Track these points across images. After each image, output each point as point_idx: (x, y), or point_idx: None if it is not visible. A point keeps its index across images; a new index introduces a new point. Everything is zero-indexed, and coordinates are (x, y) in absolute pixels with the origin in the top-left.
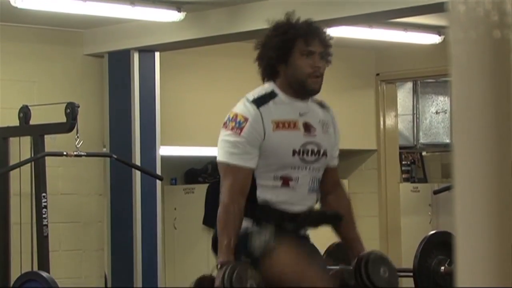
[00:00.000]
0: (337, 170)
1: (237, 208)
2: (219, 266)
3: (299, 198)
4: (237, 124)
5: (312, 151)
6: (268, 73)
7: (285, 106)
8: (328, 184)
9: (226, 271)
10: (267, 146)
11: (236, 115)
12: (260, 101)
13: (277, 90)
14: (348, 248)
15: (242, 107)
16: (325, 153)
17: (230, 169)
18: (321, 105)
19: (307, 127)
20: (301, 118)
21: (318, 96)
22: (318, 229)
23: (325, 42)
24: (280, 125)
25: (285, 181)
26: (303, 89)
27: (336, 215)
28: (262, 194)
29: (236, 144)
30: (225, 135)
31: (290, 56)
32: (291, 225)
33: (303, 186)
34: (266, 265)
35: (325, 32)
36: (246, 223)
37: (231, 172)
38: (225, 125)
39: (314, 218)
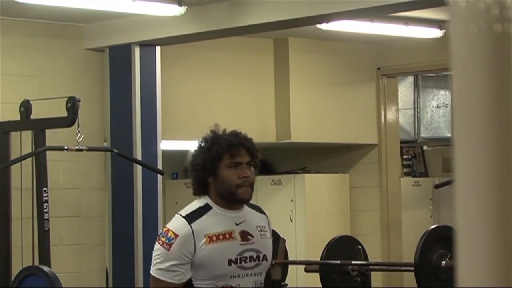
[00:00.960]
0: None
1: None
2: None
3: None
4: (167, 240)
5: (251, 258)
6: (200, 189)
7: (220, 218)
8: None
9: None
10: (200, 261)
11: (168, 231)
12: (193, 217)
13: (211, 203)
14: None
15: (174, 223)
16: (264, 258)
17: (157, 283)
18: (257, 209)
19: (244, 235)
20: (237, 227)
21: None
22: (318, 224)
23: (251, 151)
24: (214, 238)
25: None
26: (234, 199)
27: None
28: None
29: (163, 260)
30: (155, 249)
31: (218, 170)
32: None
33: None
34: None
35: (250, 142)
36: None
37: (159, 286)
38: (158, 238)
39: None
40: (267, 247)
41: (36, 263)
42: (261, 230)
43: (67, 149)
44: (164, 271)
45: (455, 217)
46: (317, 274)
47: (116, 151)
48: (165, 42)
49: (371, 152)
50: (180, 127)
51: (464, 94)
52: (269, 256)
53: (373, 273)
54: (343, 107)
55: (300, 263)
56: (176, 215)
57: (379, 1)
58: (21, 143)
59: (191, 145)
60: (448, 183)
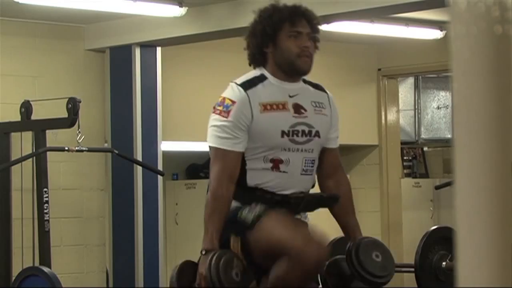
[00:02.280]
0: (337, 152)
1: (226, 194)
2: (203, 253)
3: (292, 181)
4: (225, 108)
5: (303, 132)
6: (257, 59)
7: (274, 88)
8: (327, 167)
9: (213, 259)
10: (255, 129)
11: (224, 99)
12: (248, 84)
13: (267, 74)
14: (346, 234)
15: (230, 91)
16: (317, 134)
17: (218, 154)
18: (316, 86)
19: (297, 108)
20: (291, 99)
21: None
22: (318, 225)
23: (312, 24)
24: (268, 107)
25: (276, 164)
26: (293, 69)
27: (332, 197)
28: (252, 179)
29: (223, 128)
30: (213, 119)
31: (277, 38)
32: (284, 209)
33: (295, 168)
34: (255, 233)
35: (312, 14)
36: (235, 204)
37: (219, 157)
38: (213, 109)
39: (308, 202)
40: (321, 123)
41: (37, 264)
42: (316, 106)
43: (68, 150)
44: (225, 140)
45: (455, 218)
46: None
47: (116, 152)
48: (165, 43)
49: (371, 153)
50: (180, 128)
51: (465, 95)
52: (323, 133)
53: None
54: (344, 108)
55: None
56: (230, 83)
57: (380, 2)
58: (22, 144)
59: (192, 146)
60: (449, 184)
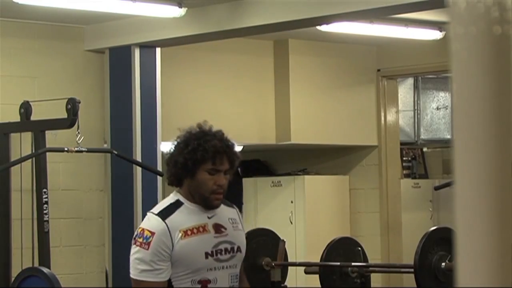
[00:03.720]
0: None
1: None
2: None
3: None
4: (144, 239)
5: (226, 250)
6: (174, 181)
7: (192, 213)
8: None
9: None
10: (178, 255)
11: (143, 230)
12: (165, 213)
13: (182, 199)
14: None
15: (148, 222)
16: (239, 249)
17: (142, 286)
18: (225, 203)
19: (218, 228)
20: (210, 220)
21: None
22: (318, 225)
23: (232, 160)
24: (188, 232)
25: (204, 285)
26: (204, 204)
27: None
28: None
29: (144, 260)
30: (134, 252)
31: (196, 172)
32: None
33: (222, 286)
34: None
35: (234, 151)
36: None
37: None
38: (134, 240)
39: None
40: (240, 239)
41: (36, 264)
42: (233, 223)
43: (67, 151)
44: (147, 272)
45: (454, 218)
46: (317, 276)
47: (115, 152)
48: (165, 43)
49: (371, 153)
50: (180, 128)
51: (464, 96)
52: (243, 248)
53: (372, 275)
54: (343, 108)
55: (300, 264)
56: (148, 213)
57: (379, 3)
58: (21, 144)
59: None
60: (448, 185)
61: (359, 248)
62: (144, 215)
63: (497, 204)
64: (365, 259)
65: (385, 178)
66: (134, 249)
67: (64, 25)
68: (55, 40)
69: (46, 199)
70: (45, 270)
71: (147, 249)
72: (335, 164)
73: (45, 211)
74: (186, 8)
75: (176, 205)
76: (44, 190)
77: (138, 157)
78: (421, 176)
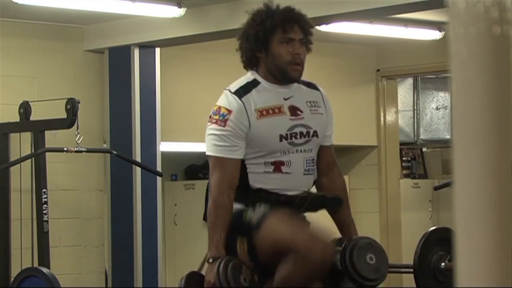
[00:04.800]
0: (331, 149)
1: (227, 202)
2: (210, 261)
3: (294, 182)
4: (221, 117)
5: (301, 134)
6: (249, 62)
7: (269, 93)
8: (322, 165)
9: (220, 266)
10: (253, 135)
11: (219, 108)
12: (242, 91)
13: (259, 78)
14: (341, 232)
15: (225, 99)
16: (315, 134)
17: (217, 162)
18: (309, 85)
19: (293, 110)
20: (286, 102)
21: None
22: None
23: (305, 29)
24: (264, 112)
25: (277, 166)
26: (283, 76)
27: (335, 200)
28: (255, 182)
29: (221, 136)
30: (210, 128)
31: (269, 44)
32: (288, 209)
33: (297, 169)
34: (260, 233)
35: (305, 19)
36: (239, 206)
37: (218, 165)
38: (210, 118)
39: (312, 203)
40: (318, 123)
41: (35, 264)
42: (311, 106)
43: (67, 151)
44: (223, 148)
45: (454, 219)
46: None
47: (115, 152)
48: (164, 43)
49: (370, 154)
50: (179, 128)
51: (464, 96)
52: (321, 132)
53: None
54: (343, 108)
55: None
56: (224, 91)
57: (379, 3)
58: (21, 144)
59: (191, 147)
60: (448, 185)
61: None
62: (144, 215)
63: (496, 204)
64: None
65: (385, 178)
66: (209, 126)
67: (64, 25)
68: (55, 40)
69: (45, 199)
70: (44, 270)
71: (224, 126)
72: None
73: (44, 211)
74: (186, 8)
75: (253, 83)
76: (44, 190)
77: (138, 157)
78: (420, 176)
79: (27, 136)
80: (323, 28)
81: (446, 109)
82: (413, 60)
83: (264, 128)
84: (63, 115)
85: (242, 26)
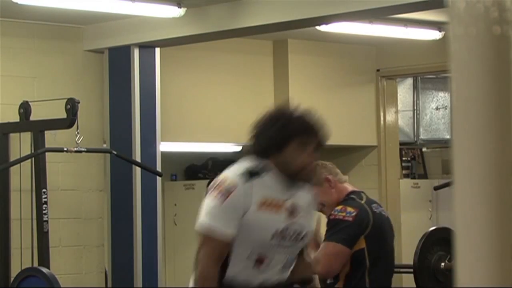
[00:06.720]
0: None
1: (214, 276)
2: None
3: (268, 275)
4: (225, 189)
5: (294, 233)
6: (260, 155)
7: (276, 183)
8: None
9: None
10: (247, 221)
11: (226, 180)
12: (254, 173)
13: (272, 166)
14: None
15: (236, 174)
16: (306, 235)
17: (210, 233)
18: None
19: (292, 210)
20: (288, 199)
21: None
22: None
23: (323, 139)
24: (265, 205)
25: (259, 261)
26: (294, 179)
27: (304, 279)
28: (232, 269)
29: (219, 208)
30: (211, 196)
31: (285, 148)
32: None
33: (276, 266)
34: None
35: (324, 128)
36: None
37: (210, 237)
38: (214, 186)
39: None
40: (311, 223)
41: (35, 264)
42: (308, 205)
43: (67, 151)
44: (218, 220)
45: (454, 218)
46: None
47: (115, 152)
48: (164, 43)
49: (370, 154)
50: (179, 128)
51: (463, 96)
52: (311, 233)
53: None
54: (343, 108)
55: None
56: (237, 164)
57: (379, 3)
58: (20, 144)
59: (191, 147)
60: (447, 185)
61: None
62: (144, 215)
63: (496, 204)
64: None
65: (385, 178)
66: (213, 193)
67: (64, 25)
68: (55, 40)
69: (45, 199)
70: (44, 270)
71: (225, 199)
72: (334, 164)
73: (44, 211)
74: (185, 8)
75: (266, 169)
76: (44, 190)
77: (138, 157)
78: (420, 176)
79: (27, 136)
80: (323, 28)
81: (446, 109)
82: (413, 60)
83: (259, 221)
84: (63, 115)
85: (259, 121)
